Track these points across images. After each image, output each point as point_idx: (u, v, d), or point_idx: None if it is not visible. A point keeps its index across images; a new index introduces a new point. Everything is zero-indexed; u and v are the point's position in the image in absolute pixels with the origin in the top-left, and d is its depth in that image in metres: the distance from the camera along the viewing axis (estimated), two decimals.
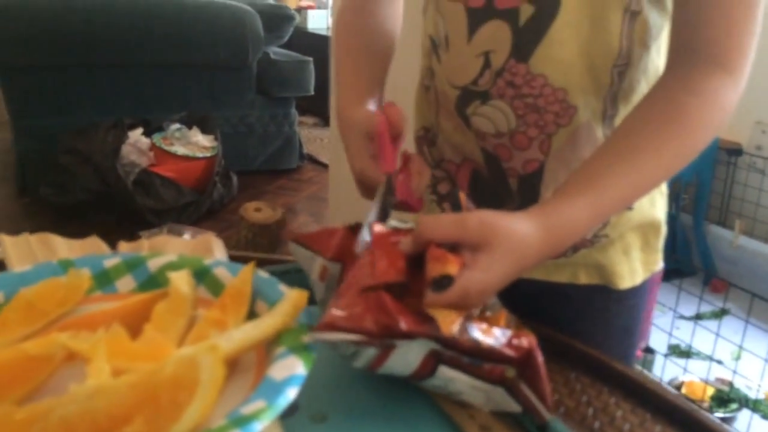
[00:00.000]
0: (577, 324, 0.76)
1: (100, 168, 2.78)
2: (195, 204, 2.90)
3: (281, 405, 0.38)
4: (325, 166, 3.57)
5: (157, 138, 3.02)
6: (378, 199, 0.60)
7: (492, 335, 0.47)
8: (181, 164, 2.98)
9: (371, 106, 0.72)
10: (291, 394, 0.38)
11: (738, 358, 1.77)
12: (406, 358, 0.47)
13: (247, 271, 0.51)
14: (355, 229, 0.56)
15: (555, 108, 0.67)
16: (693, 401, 1.62)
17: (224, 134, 3.15)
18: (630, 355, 0.82)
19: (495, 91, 0.68)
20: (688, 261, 2.31)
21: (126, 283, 0.55)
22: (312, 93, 3.63)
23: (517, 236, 0.52)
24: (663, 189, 0.77)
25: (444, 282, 0.48)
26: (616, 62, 0.65)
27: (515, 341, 0.48)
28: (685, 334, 1.80)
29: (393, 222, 0.57)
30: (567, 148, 0.69)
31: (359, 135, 0.67)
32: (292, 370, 0.40)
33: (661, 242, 0.78)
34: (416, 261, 0.51)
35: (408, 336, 0.45)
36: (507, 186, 0.74)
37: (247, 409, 0.37)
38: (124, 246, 0.65)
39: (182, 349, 0.39)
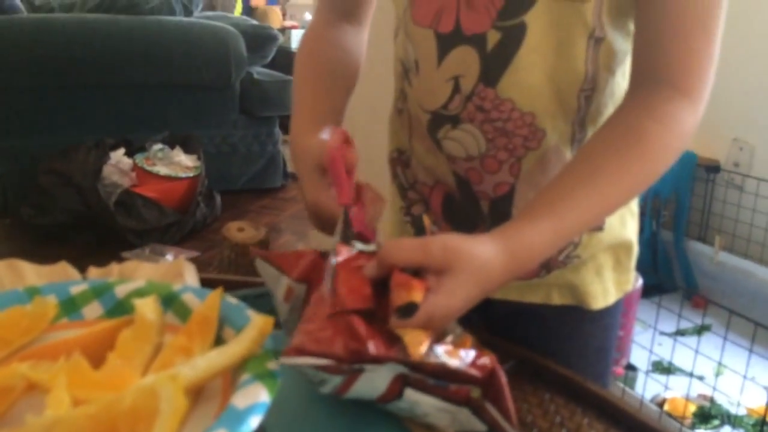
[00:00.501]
0: (551, 344, 0.76)
1: (81, 189, 2.76)
2: (178, 224, 2.88)
3: None
4: None
5: (139, 158, 3.00)
6: (338, 232, 0.60)
7: (457, 356, 0.48)
8: (163, 184, 2.96)
9: (325, 135, 0.69)
10: (253, 422, 0.38)
11: (719, 374, 1.77)
12: (374, 382, 0.47)
13: (214, 297, 0.50)
14: (325, 255, 0.56)
15: (523, 132, 0.68)
16: (675, 418, 1.62)
17: (207, 154, 3.14)
18: (605, 375, 0.82)
19: (465, 115, 0.69)
20: (669, 277, 2.33)
21: (93, 309, 0.54)
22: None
23: (480, 260, 0.53)
24: (633, 209, 0.78)
25: (409, 309, 0.48)
26: (582, 87, 0.66)
27: (479, 361, 0.48)
28: (667, 350, 1.81)
29: (358, 245, 0.57)
30: (537, 171, 0.70)
31: (311, 165, 0.65)
32: (255, 398, 0.40)
33: (632, 262, 0.79)
34: (381, 284, 0.51)
35: (377, 361, 0.46)
36: (479, 209, 0.74)
37: None
38: (93, 272, 0.65)
39: (143, 379, 0.39)
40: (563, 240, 0.61)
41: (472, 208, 0.74)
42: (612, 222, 0.74)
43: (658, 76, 0.61)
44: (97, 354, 0.45)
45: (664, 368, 1.88)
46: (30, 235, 2.87)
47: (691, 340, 1.78)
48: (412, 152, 0.79)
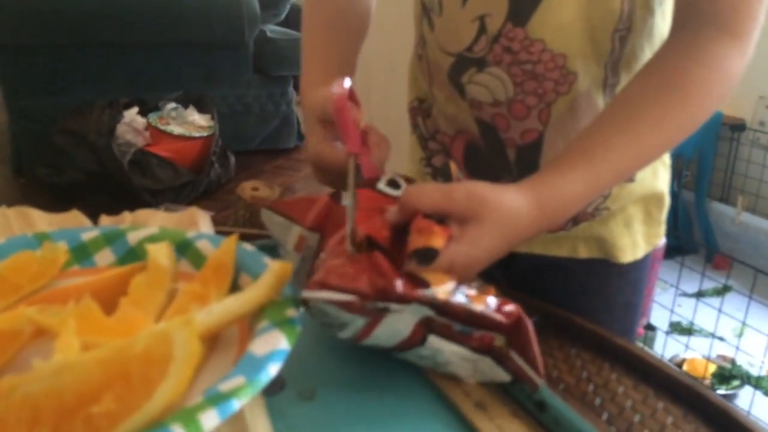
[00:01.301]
0: (577, 299, 0.74)
1: (95, 148, 2.74)
2: (192, 184, 2.86)
3: (262, 382, 0.35)
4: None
5: (153, 118, 2.98)
6: (350, 184, 0.57)
7: (482, 302, 0.46)
8: (177, 144, 2.94)
9: (333, 88, 0.66)
10: (272, 370, 0.36)
11: (741, 335, 1.75)
12: (397, 325, 0.44)
13: (229, 243, 0.48)
14: (339, 200, 0.53)
15: (554, 75, 0.64)
16: (694, 378, 1.61)
17: (221, 114, 3.11)
18: (631, 332, 0.79)
19: (491, 57, 0.65)
20: (690, 238, 2.29)
21: (105, 256, 0.52)
22: None
23: (507, 210, 0.50)
24: (666, 160, 0.75)
25: (428, 254, 0.46)
26: (617, 26, 0.62)
27: (505, 308, 0.46)
28: (687, 311, 1.78)
29: (382, 186, 0.54)
30: (567, 117, 0.66)
31: (316, 118, 0.63)
32: (274, 345, 0.38)
33: (664, 215, 0.76)
34: (401, 235, 0.49)
35: (402, 300, 0.43)
36: (505, 157, 0.71)
37: (226, 386, 0.35)
38: (105, 220, 0.63)
39: (156, 324, 0.37)
40: (597, 192, 0.57)
41: (498, 157, 0.71)
42: (644, 173, 0.71)
43: (703, 15, 0.57)
44: (109, 300, 0.43)
45: (683, 329, 1.86)
46: (45, 194, 2.88)
47: (712, 301, 1.75)
48: (433, 100, 0.76)
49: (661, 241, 0.76)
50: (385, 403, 0.47)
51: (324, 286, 0.42)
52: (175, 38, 3.15)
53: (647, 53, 0.65)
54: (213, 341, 0.43)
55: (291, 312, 0.41)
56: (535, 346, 0.46)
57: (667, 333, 1.75)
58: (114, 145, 2.81)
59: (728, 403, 0.55)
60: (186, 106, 3.11)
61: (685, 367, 1.70)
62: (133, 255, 0.52)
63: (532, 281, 0.73)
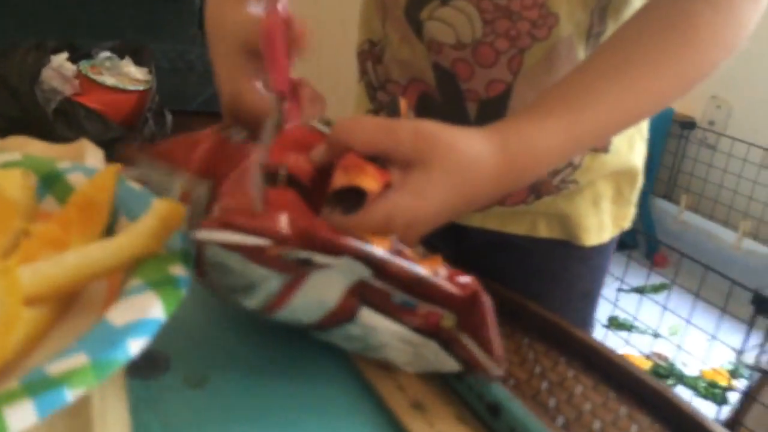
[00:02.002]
0: (532, 284, 0.65)
1: (16, 92, 2.53)
2: (123, 140, 2.68)
3: (114, 363, 0.25)
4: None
5: (84, 65, 2.77)
6: (269, 127, 0.45)
7: (430, 267, 0.36)
8: (109, 96, 2.74)
9: (254, 8, 0.53)
10: (133, 347, 0.25)
11: (675, 333, 1.73)
12: (322, 291, 0.34)
13: (106, 176, 0.36)
14: (231, 137, 0.42)
15: (532, 14, 0.54)
16: (661, 382, 1.57)
17: (160, 69, 2.91)
18: (589, 323, 0.72)
19: None
20: (631, 233, 2.26)
21: None
22: None
23: (465, 156, 0.40)
24: (643, 130, 0.66)
25: (354, 197, 0.35)
26: None
27: (459, 278, 0.36)
28: (625, 306, 1.75)
29: (314, 123, 0.44)
30: (541, 68, 0.57)
31: (235, 45, 0.50)
32: (142, 313, 0.27)
33: (635, 195, 0.68)
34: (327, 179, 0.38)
35: (331, 248, 0.33)
36: (464, 112, 0.61)
37: (57, 368, 0.24)
38: None
39: None
40: (576, 147, 0.47)
41: (455, 112, 0.61)
42: (619, 143, 0.63)
43: None
44: None
45: (620, 324, 1.83)
46: None
47: (652, 298, 1.72)
48: (386, 43, 0.65)
49: (629, 223, 0.69)
50: (294, 395, 0.37)
51: (226, 225, 0.31)
52: None
53: (637, 1, 0.56)
54: (68, 303, 0.32)
55: (176, 269, 0.31)
56: (493, 329, 0.37)
57: (607, 328, 1.70)
58: (38, 91, 2.60)
59: (697, 409, 0.48)
60: (122, 57, 2.91)
61: None
62: None
63: (483, 261, 0.64)
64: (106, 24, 3.07)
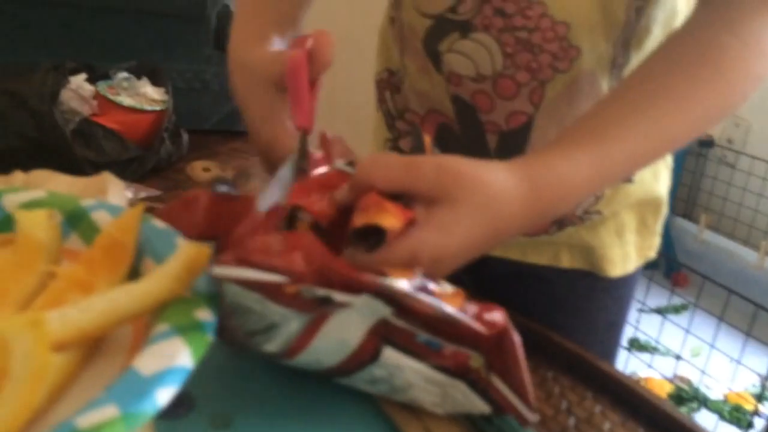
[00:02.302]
0: (555, 315, 0.64)
1: (35, 113, 2.56)
2: (140, 159, 2.69)
3: (144, 415, 0.24)
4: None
5: (102, 86, 2.79)
6: (289, 164, 0.45)
7: (456, 303, 0.35)
8: (126, 116, 2.76)
9: (277, 45, 0.53)
10: (162, 397, 0.25)
11: (697, 354, 1.70)
12: (343, 332, 0.34)
13: (131, 216, 0.36)
14: (220, 194, 0.41)
15: (553, 47, 0.54)
16: (693, 420, 1.55)
17: (176, 89, 2.93)
18: (613, 354, 0.70)
19: (479, 21, 0.55)
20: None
21: None
22: None
23: (491, 190, 0.39)
24: (668, 160, 0.65)
25: (373, 237, 0.35)
26: None
27: (486, 315, 0.35)
28: (645, 328, 1.73)
29: (339, 164, 0.43)
30: (563, 100, 0.56)
31: (264, 84, 0.49)
32: (170, 360, 0.26)
33: (659, 224, 0.67)
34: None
35: (349, 285, 0.32)
36: (484, 144, 0.61)
37: (87, 420, 0.23)
38: None
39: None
40: (605, 180, 0.47)
41: (475, 145, 0.61)
42: (643, 173, 0.62)
43: None
44: None
45: (641, 346, 1.80)
46: None
47: (672, 319, 1.70)
48: (404, 73, 0.65)
49: (654, 253, 0.67)
50: None
51: (242, 262, 0.31)
52: (130, 4, 2.98)
53: (659, 31, 0.56)
54: (94, 348, 0.31)
55: (203, 313, 0.30)
56: (525, 370, 0.36)
57: (629, 350, 1.68)
58: (57, 112, 2.63)
59: None
60: (139, 77, 2.94)
61: None
62: (8, 223, 0.39)
63: (504, 290, 0.63)
64: (123, 45, 3.09)
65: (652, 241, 0.67)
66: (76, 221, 0.39)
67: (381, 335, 0.34)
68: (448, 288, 0.37)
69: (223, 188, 0.39)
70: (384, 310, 0.33)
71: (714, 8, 0.48)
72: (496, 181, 0.40)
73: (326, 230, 0.37)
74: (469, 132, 0.61)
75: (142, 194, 2.99)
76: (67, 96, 2.76)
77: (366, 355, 0.35)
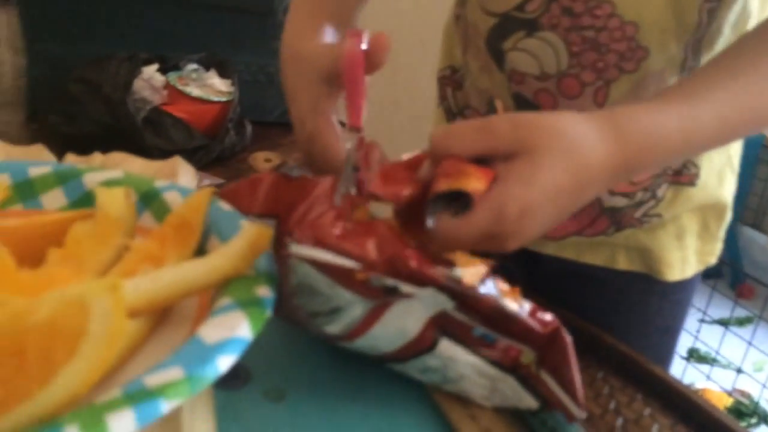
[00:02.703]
0: (609, 317, 0.63)
1: (109, 101, 2.66)
2: (205, 148, 2.77)
3: (206, 379, 0.26)
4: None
5: (172, 77, 2.88)
6: (348, 166, 0.44)
7: (516, 300, 0.35)
8: (194, 106, 2.84)
9: (330, 38, 0.52)
10: (223, 364, 0.27)
11: (759, 369, 1.64)
12: (404, 320, 0.35)
13: (200, 197, 0.38)
14: (283, 174, 0.41)
15: (620, 47, 0.54)
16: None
17: (242, 81, 3.01)
18: (668, 361, 0.69)
19: (546, 19, 0.55)
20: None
21: (54, 198, 0.43)
22: None
23: (571, 136, 0.38)
24: (735, 164, 0.64)
25: (457, 200, 0.34)
26: None
27: (540, 314, 0.36)
28: (705, 338, 1.68)
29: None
30: (628, 100, 0.56)
31: (314, 76, 0.47)
32: (231, 331, 0.28)
33: (722, 230, 0.65)
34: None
35: (417, 278, 0.33)
36: None
37: (155, 380, 0.25)
38: (71, 158, 0.54)
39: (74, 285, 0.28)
40: (692, 141, 0.43)
41: None
42: (707, 176, 0.61)
43: None
44: (42, 251, 0.34)
45: (700, 357, 1.75)
46: (56, 143, 2.79)
47: (736, 331, 1.65)
48: (466, 70, 0.66)
49: (716, 259, 0.66)
50: (368, 417, 0.37)
51: (320, 243, 0.32)
52: None
53: (729, 32, 0.54)
54: (162, 316, 0.34)
55: (263, 290, 0.32)
56: (575, 368, 0.36)
57: (687, 360, 1.64)
58: (129, 101, 2.72)
59: None
60: (207, 69, 3.01)
61: None
62: (88, 200, 0.42)
63: (558, 289, 0.62)
64: (194, 37, 3.18)
65: (713, 246, 0.66)
66: (150, 200, 0.42)
67: (439, 326, 0.35)
68: (504, 285, 0.38)
69: (288, 170, 0.41)
70: (447, 304, 0.34)
71: None
72: (577, 128, 0.38)
73: (407, 212, 0.37)
74: None
75: (206, 182, 3.08)
76: (139, 85, 2.87)
77: (423, 344, 0.36)
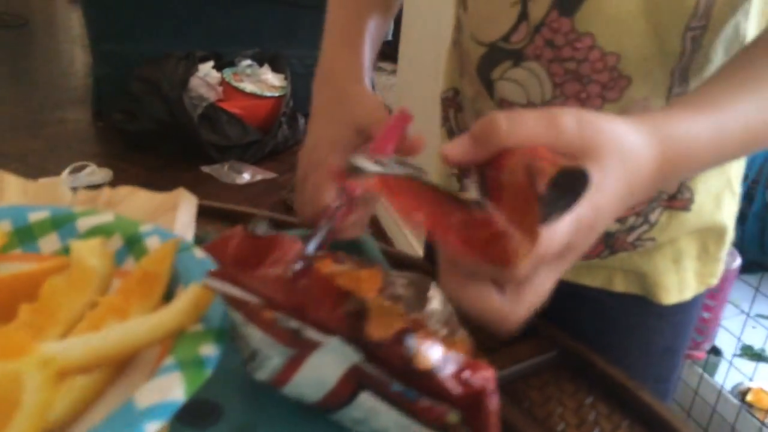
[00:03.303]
0: (609, 337, 0.63)
1: (167, 99, 2.76)
2: (259, 143, 2.85)
3: None
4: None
5: (227, 73, 2.96)
6: (326, 221, 0.47)
7: (438, 355, 0.34)
8: (248, 102, 2.92)
9: (368, 80, 0.58)
10: (150, 429, 0.29)
11: None
12: (322, 371, 0.35)
13: (165, 248, 0.41)
14: (253, 234, 0.42)
15: (602, 77, 0.53)
16: (754, 415, 1.45)
17: (295, 74, 3.06)
18: (669, 380, 0.68)
19: (531, 50, 0.55)
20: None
21: (50, 242, 0.47)
22: (390, 38, 3.48)
23: (627, 145, 0.37)
24: (735, 188, 0.62)
25: (578, 179, 0.31)
26: (690, 23, 0.50)
27: (466, 374, 0.35)
28: (761, 335, 1.62)
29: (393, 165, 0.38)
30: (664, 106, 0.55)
31: (351, 120, 0.54)
32: (163, 395, 0.30)
33: (723, 252, 0.64)
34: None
35: (322, 326, 0.34)
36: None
37: None
38: (82, 195, 0.58)
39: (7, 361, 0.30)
40: (723, 150, 0.44)
41: None
42: (703, 201, 0.59)
43: None
44: (13, 305, 0.37)
45: (754, 354, 1.69)
46: (120, 140, 2.93)
47: None
48: (463, 95, 0.66)
49: (717, 280, 0.65)
50: None
51: (231, 278, 0.34)
52: None
53: (720, 56, 0.53)
54: (126, 364, 0.36)
55: (207, 348, 0.34)
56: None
57: (732, 359, 1.58)
58: (186, 98, 2.82)
59: None
60: (261, 64, 3.08)
61: (749, 398, 1.55)
62: None
63: (557, 310, 0.63)
64: (247, 31, 3.25)
65: (713, 268, 0.64)
66: (133, 245, 0.45)
67: (356, 378, 0.35)
68: (452, 333, 0.37)
69: (259, 228, 0.43)
70: (354, 356, 0.34)
71: None
72: (630, 136, 0.38)
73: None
74: None
75: (259, 177, 3.19)
76: (195, 83, 2.97)
77: (343, 396, 0.37)
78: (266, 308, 0.35)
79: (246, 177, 2.68)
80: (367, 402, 0.36)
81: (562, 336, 0.60)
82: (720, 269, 0.65)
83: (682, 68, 0.53)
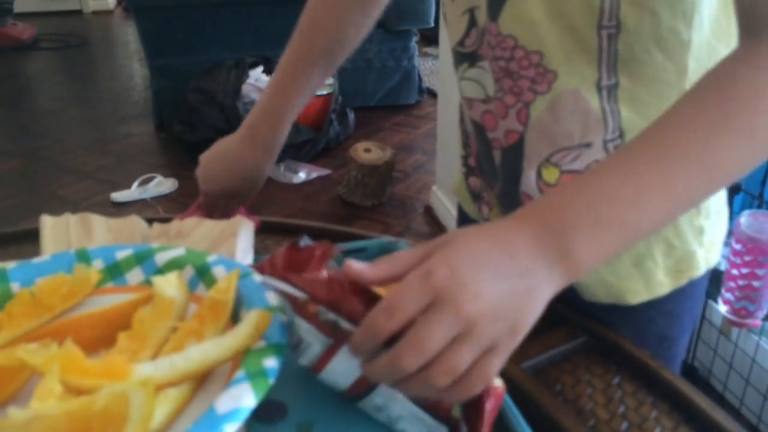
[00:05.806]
0: (601, 329, 0.67)
1: (222, 107, 2.89)
2: (311, 142, 2.94)
3: None
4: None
5: None
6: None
7: None
8: None
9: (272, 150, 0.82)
10: (228, 430, 0.37)
11: None
12: (350, 363, 0.42)
13: (229, 279, 0.49)
14: (296, 247, 0.48)
15: (530, 73, 0.59)
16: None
17: (342, 70, 3.14)
18: (671, 366, 0.69)
19: (482, 51, 0.62)
20: None
21: (135, 275, 0.56)
22: (432, 25, 3.52)
23: (478, 226, 0.43)
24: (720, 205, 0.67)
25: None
26: (600, 23, 0.54)
27: None
28: None
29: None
30: (547, 118, 0.60)
31: (232, 177, 0.81)
32: (237, 402, 0.38)
33: (697, 244, 0.65)
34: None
35: (352, 318, 0.40)
36: (492, 161, 0.67)
37: None
38: (156, 228, 0.67)
39: (126, 376, 0.39)
40: (638, 188, 0.44)
41: (487, 161, 0.69)
42: None
43: (765, 20, 0.46)
44: (113, 333, 0.46)
45: None
46: (182, 149, 3.08)
47: None
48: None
49: (700, 272, 0.66)
50: None
51: (282, 278, 0.41)
52: None
53: (658, 57, 0.56)
54: (204, 377, 0.45)
55: (269, 362, 0.42)
56: (487, 427, 0.41)
57: None
58: (240, 104, 2.94)
59: None
60: None
61: None
62: (160, 275, 0.54)
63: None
64: (292, 32, 3.32)
65: (689, 262, 0.65)
66: (203, 274, 0.54)
67: None
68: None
69: (302, 241, 0.50)
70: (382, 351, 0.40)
71: (745, 45, 0.48)
72: (477, 227, 0.43)
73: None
74: (483, 150, 0.68)
75: (314, 174, 3.30)
76: (247, 89, 3.11)
77: (364, 385, 0.43)
78: (310, 303, 0.42)
79: (302, 176, 2.78)
80: (385, 390, 0.43)
81: (592, 323, 0.66)
82: (702, 260, 0.65)
83: (609, 62, 0.56)
